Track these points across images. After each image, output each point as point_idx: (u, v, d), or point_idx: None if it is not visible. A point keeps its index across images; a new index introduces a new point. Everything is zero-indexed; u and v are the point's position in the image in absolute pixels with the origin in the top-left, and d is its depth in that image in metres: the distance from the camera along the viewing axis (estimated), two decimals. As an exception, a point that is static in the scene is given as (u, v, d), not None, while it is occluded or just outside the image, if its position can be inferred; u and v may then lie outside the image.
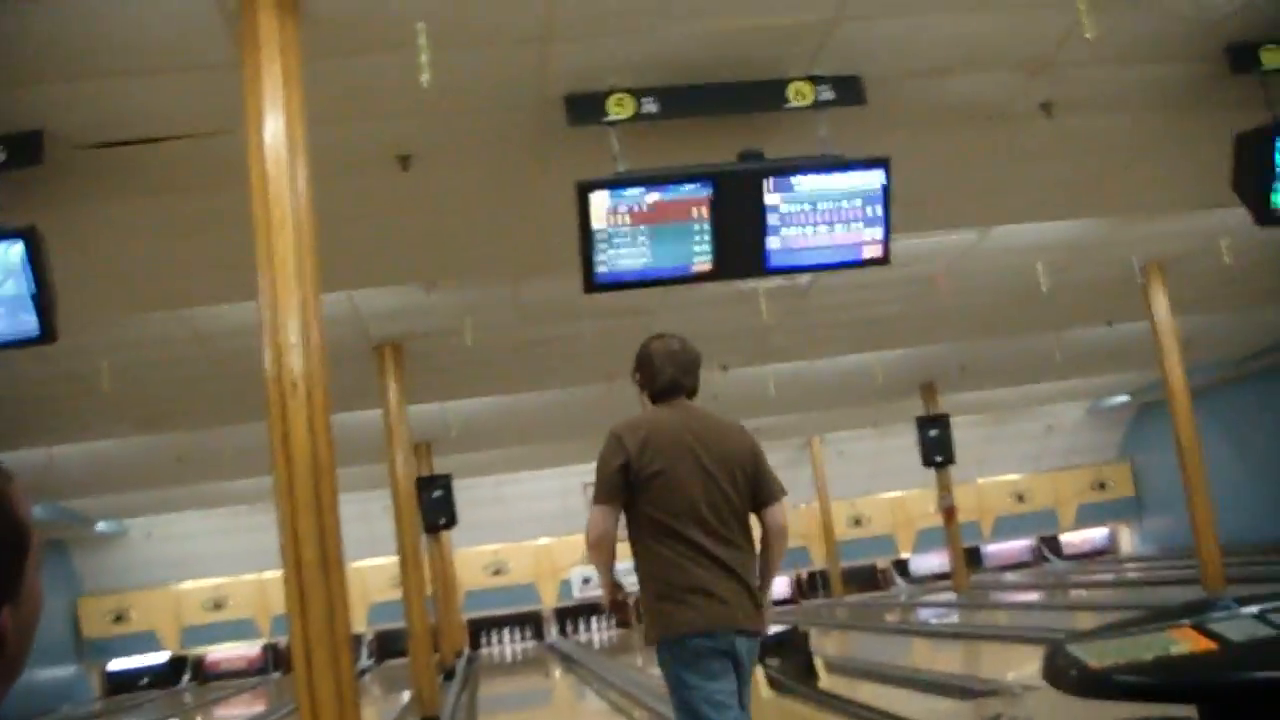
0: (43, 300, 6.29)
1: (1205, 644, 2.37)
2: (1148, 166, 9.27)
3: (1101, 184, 9.66)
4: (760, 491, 4.63)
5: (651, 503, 4.47)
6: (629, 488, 4.48)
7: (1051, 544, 28.12)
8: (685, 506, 4.44)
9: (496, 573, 24.56)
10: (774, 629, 7.16)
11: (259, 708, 18.48)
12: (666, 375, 4.77)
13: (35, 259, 6.23)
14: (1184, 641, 2.39)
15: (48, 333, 6.40)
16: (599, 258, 6.42)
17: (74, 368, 10.77)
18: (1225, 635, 2.39)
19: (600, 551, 4.55)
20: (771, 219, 6.55)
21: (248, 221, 5.38)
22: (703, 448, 4.54)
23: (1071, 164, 9.04)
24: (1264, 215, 7.44)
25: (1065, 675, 2.35)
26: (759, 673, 6.41)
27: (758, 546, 4.62)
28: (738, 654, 4.40)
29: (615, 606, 4.77)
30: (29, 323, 6.34)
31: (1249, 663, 2.29)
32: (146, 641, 24.70)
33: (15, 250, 6.20)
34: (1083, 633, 2.50)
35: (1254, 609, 2.48)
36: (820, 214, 6.62)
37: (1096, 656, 2.35)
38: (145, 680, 24.54)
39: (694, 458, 4.51)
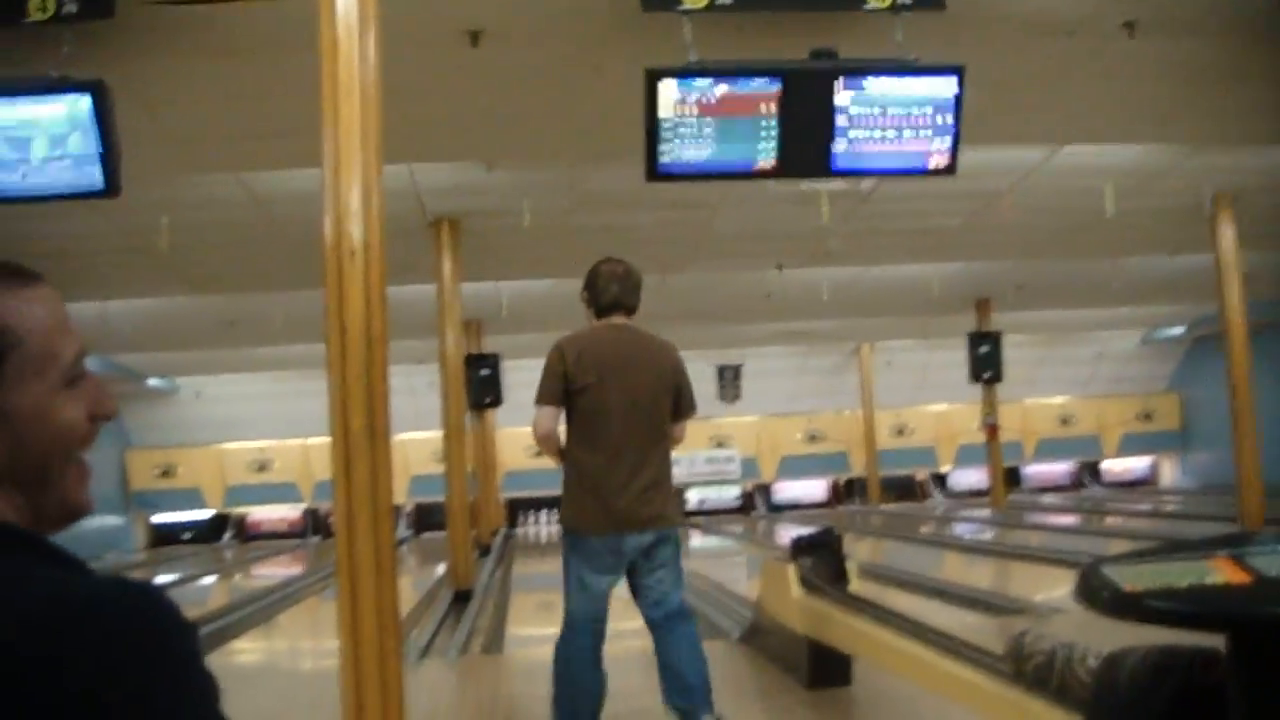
0: (107, 154, 6.34)
1: (1241, 576, 2.37)
2: (1227, 95, 9.07)
3: (1178, 110, 9.48)
4: (677, 407, 5.37)
5: (580, 410, 5.20)
6: (566, 394, 5.18)
7: (1092, 470, 28.06)
8: (606, 417, 5.16)
9: (538, 454, 24.73)
10: (809, 530, 7.23)
11: (297, 569, 18.85)
12: (610, 294, 5.45)
13: (102, 113, 6.27)
14: (1220, 572, 2.38)
15: (111, 187, 6.46)
16: (663, 147, 6.38)
17: (133, 224, 10.86)
18: (1262, 570, 2.38)
19: (548, 445, 5.29)
20: (840, 120, 6.48)
21: (315, 88, 5.38)
22: (631, 363, 5.25)
23: (1150, 87, 8.86)
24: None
25: (1098, 595, 2.35)
26: (790, 570, 6.48)
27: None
28: (632, 550, 5.18)
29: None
30: (93, 176, 6.40)
31: (1283, 597, 2.29)
32: (191, 498, 25.21)
33: (82, 103, 6.25)
34: (1118, 555, 2.50)
35: (1294, 545, 2.47)
36: (889, 119, 6.54)
37: (1130, 579, 2.35)
38: (188, 535, 25.07)
39: (622, 373, 5.21)
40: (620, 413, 5.17)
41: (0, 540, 1.14)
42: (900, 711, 5.94)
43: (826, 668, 6.36)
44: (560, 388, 5.19)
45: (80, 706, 1.02)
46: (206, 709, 1.11)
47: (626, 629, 5.91)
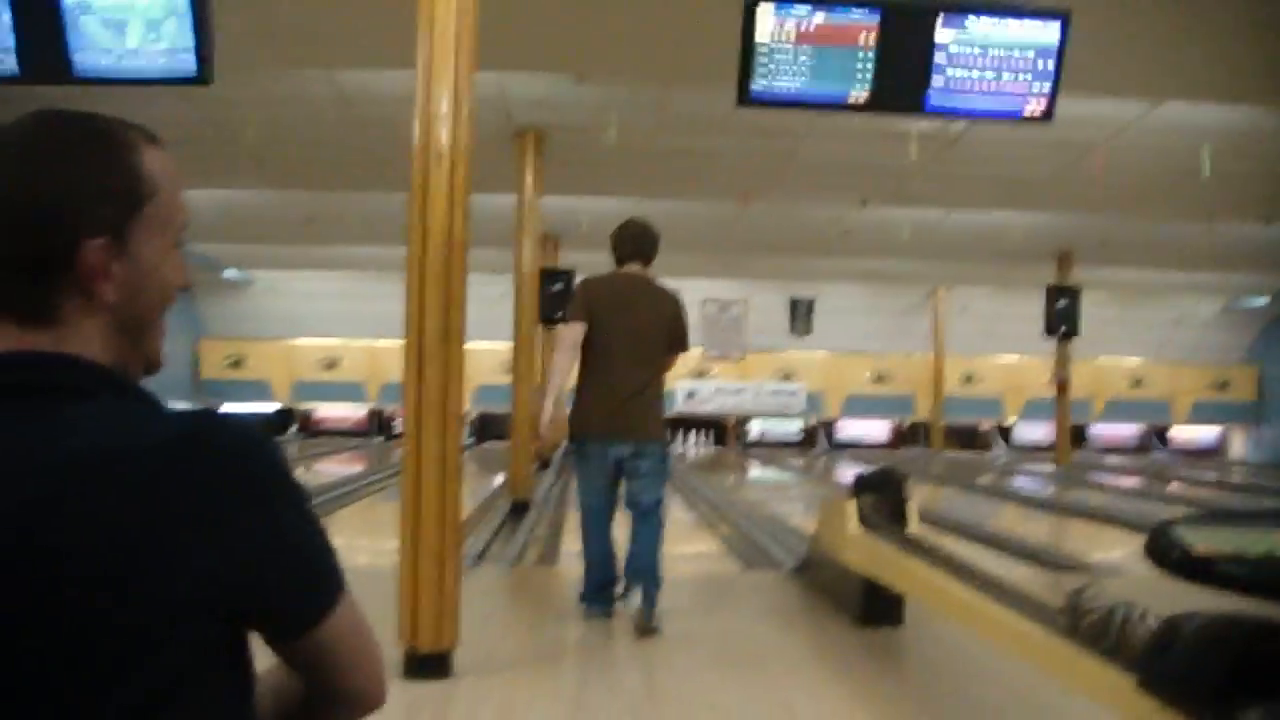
0: (202, 42, 6.36)
1: (1314, 548, 2.34)
2: (1338, 60, 8.85)
3: (1286, 71, 9.26)
4: (673, 342, 6.51)
5: (590, 337, 6.30)
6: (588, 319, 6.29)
7: (1160, 435, 27.76)
8: (609, 345, 6.28)
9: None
10: (873, 468, 7.22)
11: (359, 467, 19.11)
12: (627, 248, 6.61)
13: (198, 2, 6.29)
14: (1293, 542, 2.36)
15: (204, 75, 6.48)
16: (757, 72, 6.31)
17: (222, 115, 10.93)
18: (1336, 543, 2.35)
19: (564, 355, 6.39)
20: (938, 57, 6.38)
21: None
22: (635, 304, 6.40)
23: (1255, 46, 8.65)
24: None
25: (1167, 555, 2.33)
26: (850, 506, 6.48)
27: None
28: (615, 457, 6.31)
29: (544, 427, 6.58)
30: (187, 63, 6.42)
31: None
32: (259, 390, 25.58)
33: (183, -13, 6.26)
34: (1190, 516, 2.47)
35: (1371, 524, 2.43)
36: (989, 60, 6.43)
37: (1202, 541, 2.32)
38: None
39: (626, 310, 6.35)
40: (622, 341, 6.31)
41: (112, 383, 1.23)
42: (949, 656, 5.93)
43: (878, 606, 6.36)
44: (584, 312, 6.31)
45: (193, 517, 1.15)
46: (305, 511, 1.28)
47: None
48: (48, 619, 1.09)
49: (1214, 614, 2.93)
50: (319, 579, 1.28)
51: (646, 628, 6.24)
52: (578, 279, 17.42)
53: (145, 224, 1.25)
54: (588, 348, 6.32)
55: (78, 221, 1.20)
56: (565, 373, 6.40)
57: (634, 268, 6.58)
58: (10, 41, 6.40)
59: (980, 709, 5.09)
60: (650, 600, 6.33)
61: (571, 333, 6.33)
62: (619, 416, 6.27)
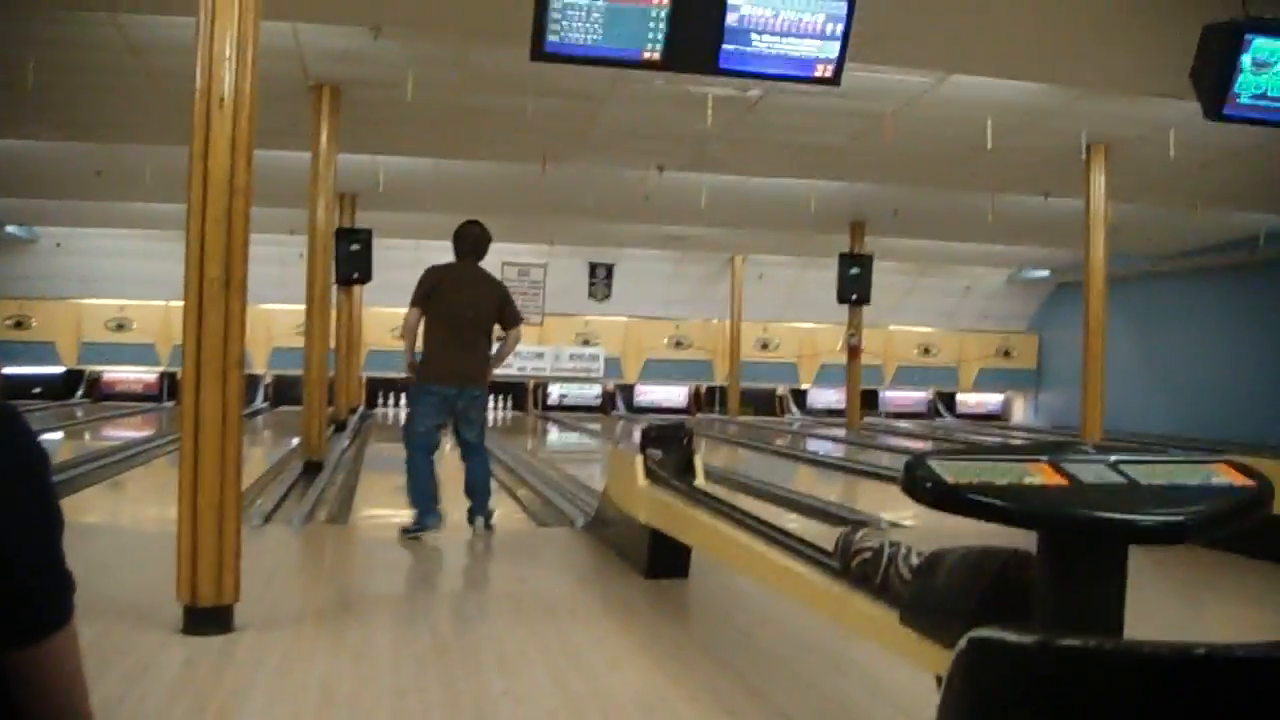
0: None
1: (1057, 479, 2.46)
2: (1114, 43, 9.24)
3: (1066, 52, 9.64)
4: (504, 319, 8.27)
5: (434, 311, 7.99)
6: (428, 300, 7.98)
7: (948, 401, 28.74)
8: (448, 316, 7.99)
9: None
10: (661, 422, 7.34)
11: (147, 430, 18.56)
12: (465, 246, 8.31)
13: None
14: (1039, 475, 2.48)
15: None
16: (551, 27, 6.32)
17: (-1, 57, 10.46)
18: (1078, 475, 2.48)
19: (408, 335, 8.13)
20: (730, 18, 6.48)
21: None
22: (470, 286, 8.18)
23: (1042, 26, 8.99)
24: (1215, 110, 7.49)
25: (921, 486, 2.43)
26: (637, 461, 6.57)
27: (495, 345, 8.36)
28: (454, 400, 8.01)
29: (412, 369, 8.15)
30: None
31: (1092, 502, 2.38)
32: (45, 352, 24.57)
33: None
34: (944, 450, 2.58)
35: (1110, 458, 2.57)
36: (780, 22, 6.55)
37: (953, 474, 2.43)
38: (38, 389, 24.45)
39: (460, 291, 8.10)
40: (459, 314, 8.03)
41: None
42: (734, 604, 6.08)
43: (665, 559, 6.47)
44: (426, 295, 8.01)
45: None
46: (54, 529, 1.28)
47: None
48: None
49: (968, 548, 3.07)
50: (66, 589, 1.29)
51: (490, 528, 8.17)
52: (375, 241, 17.37)
53: None
54: (432, 317, 7.98)
55: None
56: (410, 349, 8.13)
57: (469, 260, 8.29)
58: None
59: (759, 652, 5.23)
60: (487, 511, 8.23)
61: (411, 317, 8.04)
62: (455, 367, 8.00)
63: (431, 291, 8.00)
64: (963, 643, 1.69)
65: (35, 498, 1.25)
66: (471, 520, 8.20)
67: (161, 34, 9.78)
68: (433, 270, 8.18)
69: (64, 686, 1.30)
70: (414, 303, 8.02)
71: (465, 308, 8.06)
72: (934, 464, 2.48)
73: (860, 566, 3.71)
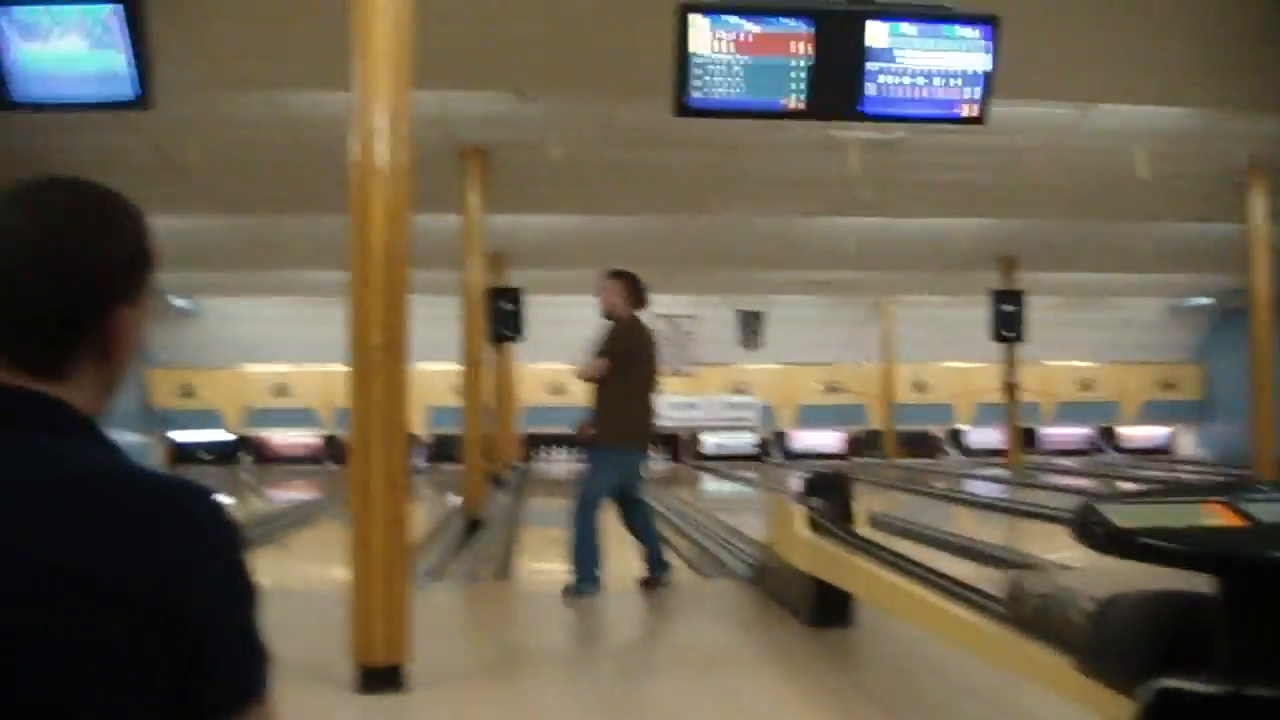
0: (139, 66, 6.34)
1: (1235, 520, 2.40)
2: (1267, 61, 9.00)
3: (1216, 72, 9.41)
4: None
5: (626, 370, 7.58)
6: (625, 359, 7.64)
7: (1109, 436, 28.02)
8: (642, 377, 7.71)
9: (557, 391, 24.81)
10: (819, 470, 7.31)
11: (314, 492, 19.01)
12: (642, 297, 7.94)
13: (134, 23, 6.27)
14: (1215, 516, 2.42)
15: (143, 99, 6.46)
16: (693, 83, 6.37)
17: (162, 141, 10.90)
18: (1256, 515, 2.42)
19: (598, 373, 7.61)
20: (870, 64, 6.46)
21: (348, 11, 5.40)
22: (651, 346, 7.91)
23: (1192, 46, 8.80)
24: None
25: (1092, 531, 2.39)
26: (798, 509, 6.54)
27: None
28: (638, 463, 7.92)
29: (588, 428, 7.78)
30: (124, 86, 6.41)
31: (1274, 543, 2.32)
32: (210, 419, 25.39)
33: (115, 13, 6.25)
34: (1115, 494, 2.54)
35: (1290, 496, 2.50)
36: (922, 65, 6.52)
37: (1126, 517, 2.38)
38: (207, 455, 25.23)
39: (650, 349, 7.86)
40: (645, 375, 7.76)
41: (96, 433, 1.29)
42: (898, 652, 6.00)
43: (828, 607, 6.42)
44: (626, 354, 7.63)
45: (145, 566, 1.19)
46: (249, 604, 1.30)
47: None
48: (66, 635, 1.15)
49: (1145, 592, 3.00)
50: (262, 662, 1.33)
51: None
52: (525, 298, 17.62)
53: (148, 292, 1.34)
54: (624, 376, 7.57)
55: (119, 290, 1.29)
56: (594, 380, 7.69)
57: (640, 314, 7.92)
58: (-53, 71, 6.37)
59: (926, 701, 5.15)
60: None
61: (602, 369, 7.60)
62: (646, 430, 7.87)
63: (633, 351, 7.71)
64: (1150, 693, 1.66)
65: (234, 574, 1.30)
66: (656, 574, 7.87)
67: (316, 109, 10.10)
68: (631, 325, 7.79)
69: None
70: (608, 355, 7.63)
71: (650, 369, 7.83)
72: (1105, 508, 2.44)
73: (1033, 613, 3.65)
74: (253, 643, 1.32)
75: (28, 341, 1.25)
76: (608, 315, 7.81)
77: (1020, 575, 3.89)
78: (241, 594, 1.31)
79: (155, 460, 24.74)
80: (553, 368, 24.50)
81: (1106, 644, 3.14)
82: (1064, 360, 26.90)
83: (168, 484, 1.26)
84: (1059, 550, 9.58)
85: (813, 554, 6.38)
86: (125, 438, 23.11)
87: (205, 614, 1.24)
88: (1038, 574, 4.05)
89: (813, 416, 26.73)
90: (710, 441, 26.55)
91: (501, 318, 16.37)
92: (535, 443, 25.23)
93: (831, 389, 26.71)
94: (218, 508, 1.29)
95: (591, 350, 7.76)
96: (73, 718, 1.16)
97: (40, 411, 1.24)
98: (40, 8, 6.29)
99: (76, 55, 6.38)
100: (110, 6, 6.22)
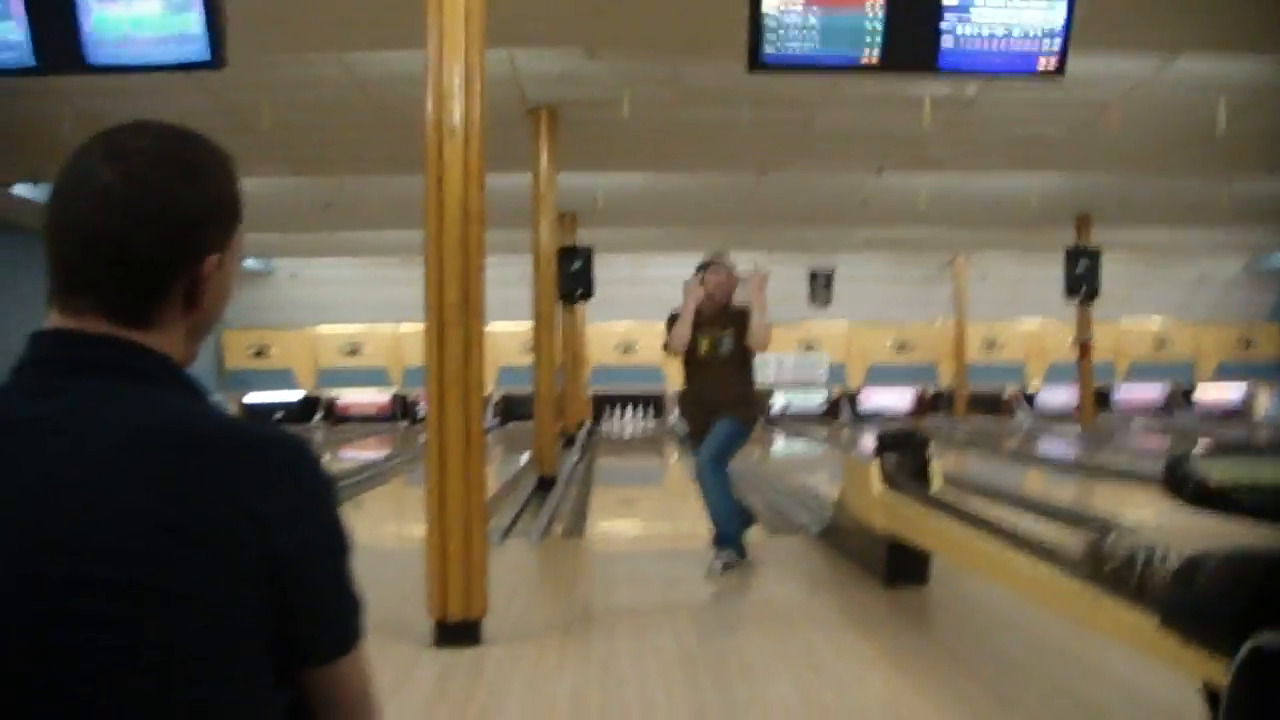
0: (213, 27, 6.39)
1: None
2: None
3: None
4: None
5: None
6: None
7: (1185, 396, 27.60)
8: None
9: (625, 351, 24.84)
10: (895, 428, 7.26)
11: (385, 450, 19.20)
12: None
13: (208, -15, 6.32)
14: (1308, 472, 2.38)
15: (216, 60, 6.50)
16: (767, 37, 6.32)
17: (234, 102, 10.96)
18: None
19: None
20: (946, 18, 6.37)
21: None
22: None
23: (1271, -3, 8.61)
24: None
25: (1183, 486, 2.36)
26: (872, 466, 6.51)
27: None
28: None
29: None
30: (198, 48, 6.46)
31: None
32: (283, 378, 25.65)
33: (190, -27, 6.29)
34: (1208, 448, 2.50)
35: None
36: (998, 19, 6.42)
37: (1218, 472, 2.35)
38: (279, 414, 25.53)
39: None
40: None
41: (185, 381, 1.31)
42: (975, 610, 5.98)
43: (904, 565, 6.40)
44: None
45: (249, 516, 1.21)
46: (343, 552, 1.33)
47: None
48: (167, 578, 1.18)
49: (1232, 549, 2.96)
50: (355, 612, 1.35)
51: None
52: (595, 257, 17.63)
53: (236, 241, 1.37)
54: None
55: (206, 238, 1.30)
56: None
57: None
58: (24, 34, 6.45)
59: (1006, 659, 5.12)
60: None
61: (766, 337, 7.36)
62: None
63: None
64: (1245, 651, 1.64)
65: (329, 524, 1.31)
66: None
67: (387, 69, 10.12)
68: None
69: (355, 703, 1.36)
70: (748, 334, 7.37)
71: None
72: (1197, 462, 2.41)
73: (1114, 571, 3.61)
74: (348, 593, 1.34)
75: (116, 290, 1.26)
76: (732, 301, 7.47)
77: (1102, 532, 3.85)
78: (336, 544, 1.32)
79: (230, 419, 25.11)
80: (621, 326, 24.54)
81: (1193, 602, 3.10)
82: (1139, 318, 26.53)
83: (263, 435, 1.28)
84: (1135, 508, 9.51)
85: (887, 512, 6.35)
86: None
87: (302, 564, 1.26)
88: (1119, 531, 4.00)
89: (882, 375, 26.55)
90: (779, 401, 26.49)
91: (572, 277, 16.37)
92: (603, 402, 25.29)
93: (902, 348, 26.53)
94: (313, 459, 1.30)
95: (736, 331, 7.32)
96: (178, 668, 1.18)
97: (131, 360, 1.26)
98: (116, -30, 6.34)
99: (152, 17, 6.44)
100: (184, -33, 6.27)
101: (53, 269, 1.28)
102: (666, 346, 7.42)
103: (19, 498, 1.17)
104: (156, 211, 1.26)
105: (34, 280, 1.57)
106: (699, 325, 7.29)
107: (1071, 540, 7.56)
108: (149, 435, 1.21)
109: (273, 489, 1.23)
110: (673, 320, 7.36)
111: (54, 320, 1.27)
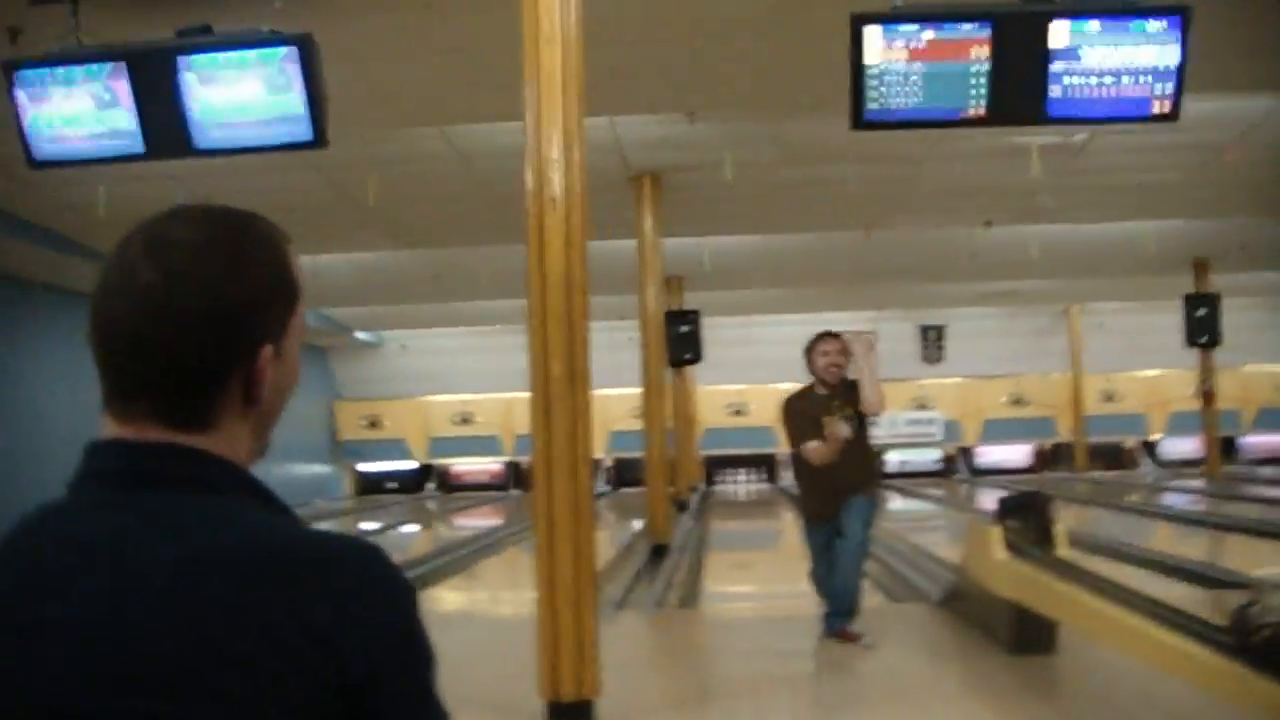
0: (315, 107, 6.42)
1: None
2: None
3: None
4: None
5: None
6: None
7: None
8: None
9: (736, 413, 24.70)
10: (1017, 491, 7.03)
11: (497, 520, 19.21)
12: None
13: (309, 66, 6.35)
14: None
15: (319, 139, 6.54)
16: (869, 94, 6.19)
17: (341, 180, 11.11)
18: None
19: None
20: (1055, 65, 6.20)
21: (517, 41, 5.38)
22: None
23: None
24: None
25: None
26: (994, 532, 6.30)
27: None
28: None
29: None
30: (301, 128, 6.50)
31: None
32: (397, 448, 25.95)
33: (291, 57, 6.35)
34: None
35: None
36: (1108, 64, 6.24)
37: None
38: (393, 484, 25.76)
39: None
40: None
41: (249, 486, 1.20)
42: (1108, 682, 5.71)
43: (1030, 633, 6.16)
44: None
45: (317, 642, 1.10)
46: (425, 668, 1.21)
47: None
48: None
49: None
50: None
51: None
52: (703, 320, 17.58)
53: (293, 325, 1.24)
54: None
55: (258, 329, 1.19)
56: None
57: None
58: (134, 122, 6.54)
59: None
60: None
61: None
62: None
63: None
64: None
65: (410, 641, 1.21)
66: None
67: (489, 141, 10.18)
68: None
69: None
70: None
71: None
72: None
73: (1264, 643, 3.40)
74: (433, 708, 1.24)
75: (167, 394, 1.17)
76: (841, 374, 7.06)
77: (1248, 601, 3.63)
78: (420, 657, 1.22)
79: (344, 490, 25.44)
80: (732, 389, 24.42)
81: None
82: (1264, 364, 25.74)
83: (339, 546, 1.18)
84: (1268, 564, 9.13)
85: (1011, 578, 6.13)
86: (314, 469, 23.79)
87: (381, 691, 1.16)
88: (1264, 600, 3.78)
89: (998, 430, 26.11)
90: (894, 459, 26.12)
91: (680, 340, 16.31)
92: (714, 465, 25.14)
93: (1017, 401, 26.07)
94: (388, 567, 1.20)
95: (854, 402, 6.93)
96: None
97: (193, 468, 1.17)
98: (219, 54, 6.42)
99: (254, 101, 6.50)
100: (286, 49, 6.32)
101: (102, 372, 1.19)
102: (801, 452, 7.00)
103: (69, 624, 1.09)
104: (203, 310, 1.16)
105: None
106: (822, 411, 6.88)
107: (1207, 602, 7.27)
108: (210, 556, 1.11)
109: (345, 610, 1.13)
110: (790, 416, 7.06)
111: (110, 428, 1.19)
